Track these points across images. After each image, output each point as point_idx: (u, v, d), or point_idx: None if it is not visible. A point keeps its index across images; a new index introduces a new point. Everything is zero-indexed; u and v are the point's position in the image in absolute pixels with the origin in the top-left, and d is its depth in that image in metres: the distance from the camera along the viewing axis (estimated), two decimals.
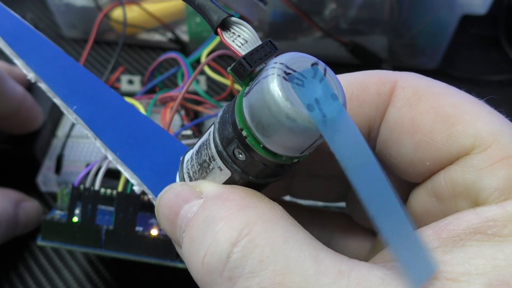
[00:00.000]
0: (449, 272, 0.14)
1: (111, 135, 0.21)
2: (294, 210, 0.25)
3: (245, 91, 0.16)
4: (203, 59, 0.36)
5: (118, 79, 0.39)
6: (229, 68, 0.16)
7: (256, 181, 0.17)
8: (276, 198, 0.25)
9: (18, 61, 0.22)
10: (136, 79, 0.40)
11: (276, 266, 0.15)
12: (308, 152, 0.16)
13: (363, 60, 0.47)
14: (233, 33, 0.17)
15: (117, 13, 0.46)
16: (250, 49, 0.16)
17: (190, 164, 0.19)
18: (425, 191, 0.19)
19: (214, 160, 0.17)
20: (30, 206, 0.34)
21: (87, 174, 0.28)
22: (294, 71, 0.15)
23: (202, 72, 0.37)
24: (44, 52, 0.22)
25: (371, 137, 0.19)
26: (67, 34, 0.52)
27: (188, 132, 0.34)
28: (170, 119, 0.28)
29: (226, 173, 0.17)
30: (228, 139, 0.16)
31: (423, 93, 0.18)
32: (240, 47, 0.16)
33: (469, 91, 0.18)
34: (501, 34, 0.50)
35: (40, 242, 0.28)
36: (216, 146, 0.17)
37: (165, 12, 0.47)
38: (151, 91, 0.37)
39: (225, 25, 0.17)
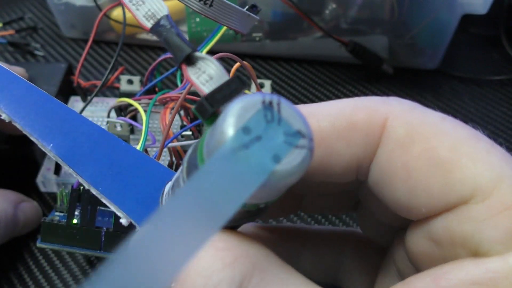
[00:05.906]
0: None
1: (92, 169, 0.20)
2: (301, 236, 0.25)
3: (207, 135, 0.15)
4: None
5: (117, 79, 0.39)
6: (193, 108, 0.15)
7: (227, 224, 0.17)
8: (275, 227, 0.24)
9: None
10: (136, 79, 0.40)
11: None
12: (274, 198, 0.15)
13: (363, 60, 0.47)
14: (199, 68, 0.16)
15: (116, 12, 0.46)
16: (215, 87, 0.15)
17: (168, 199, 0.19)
18: (422, 233, 0.17)
19: None
20: (29, 206, 0.34)
21: None
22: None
23: None
24: (15, 90, 0.21)
25: (361, 173, 0.18)
26: (66, 34, 0.52)
27: (188, 132, 0.33)
28: (171, 121, 0.28)
29: None
30: None
31: (416, 133, 0.16)
32: (204, 84, 0.15)
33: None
34: (502, 34, 0.50)
35: (39, 244, 0.27)
36: None
37: None
38: (151, 91, 0.37)
39: (190, 61, 0.16)
